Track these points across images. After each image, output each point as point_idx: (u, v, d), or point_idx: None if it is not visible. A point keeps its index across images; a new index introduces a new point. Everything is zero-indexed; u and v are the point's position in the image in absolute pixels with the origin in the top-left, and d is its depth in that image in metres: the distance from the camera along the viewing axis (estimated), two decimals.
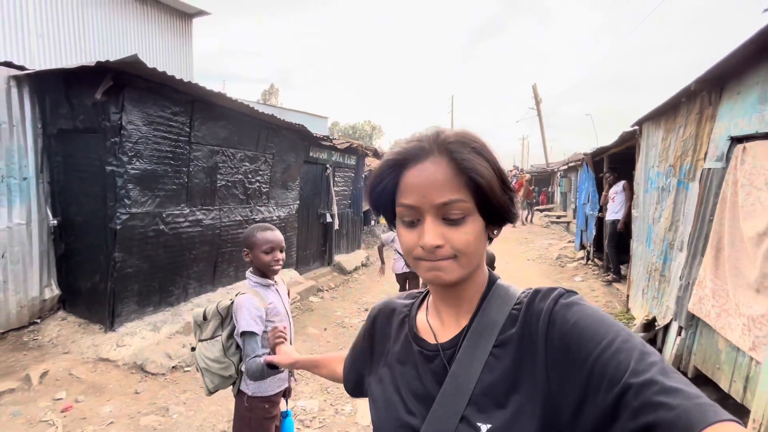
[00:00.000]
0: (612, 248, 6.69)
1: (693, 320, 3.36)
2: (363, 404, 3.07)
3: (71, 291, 4.14)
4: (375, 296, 6.28)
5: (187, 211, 4.41)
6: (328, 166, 7.43)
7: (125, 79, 3.50)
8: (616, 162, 7.13)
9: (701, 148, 3.55)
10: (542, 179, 22.50)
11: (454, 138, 0.59)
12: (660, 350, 3.79)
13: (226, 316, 1.75)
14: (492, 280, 0.66)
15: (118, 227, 3.67)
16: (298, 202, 6.51)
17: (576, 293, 0.58)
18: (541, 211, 18.20)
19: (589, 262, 8.28)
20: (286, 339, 1.23)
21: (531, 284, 0.66)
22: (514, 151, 45.42)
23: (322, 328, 4.88)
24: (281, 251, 1.75)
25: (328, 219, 7.53)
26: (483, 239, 0.60)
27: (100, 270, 3.86)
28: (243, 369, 1.60)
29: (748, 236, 2.73)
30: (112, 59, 3.27)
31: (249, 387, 1.74)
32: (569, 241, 11.10)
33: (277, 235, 1.74)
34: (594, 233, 7.94)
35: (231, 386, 1.78)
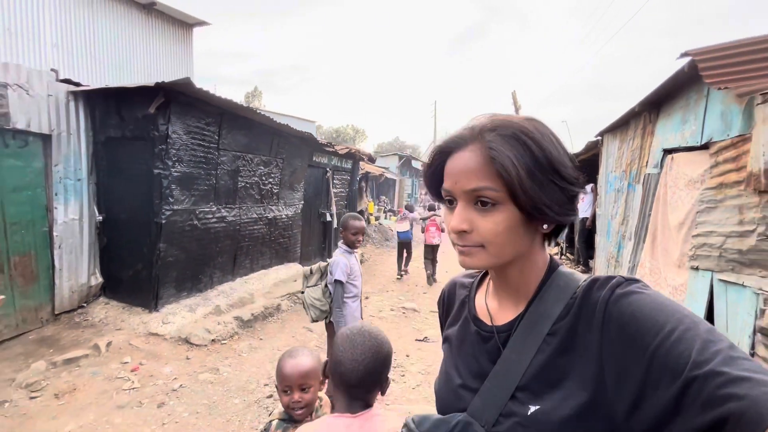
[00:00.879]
0: (582, 243, 7.60)
1: None
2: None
3: (112, 279, 4.70)
4: (372, 287, 6.99)
5: (215, 209, 5.04)
6: (328, 169, 8.11)
7: (171, 95, 4.13)
8: (585, 167, 8.06)
9: (644, 157, 4.43)
10: None
11: (491, 126, 0.59)
12: None
13: (324, 272, 2.82)
14: (553, 267, 0.65)
15: (163, 221, 4.28)
16: (302, 202, 7.17)
17: (637, 281, 0.55)
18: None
19: (563, 256, 9.21)
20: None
21: None
22: None
23: None
24: (363, 234, 2.79)
25: (328, 218, 8.21)
26: (519, 231, 0.59)
27: (143, 259, 4.45)
28: (332, 306, 2.64)
29: (672, 225, 3.59)
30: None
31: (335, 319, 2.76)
32: None
33: (362, 224, 2.80)
34: (566, 230, 8.86)
35: (324, 319, 2.86)
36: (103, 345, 3.68)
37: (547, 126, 0.61)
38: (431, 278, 7.45)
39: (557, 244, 9.98)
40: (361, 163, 10.03)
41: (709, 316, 3.05)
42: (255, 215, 5.88)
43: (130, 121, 4.28)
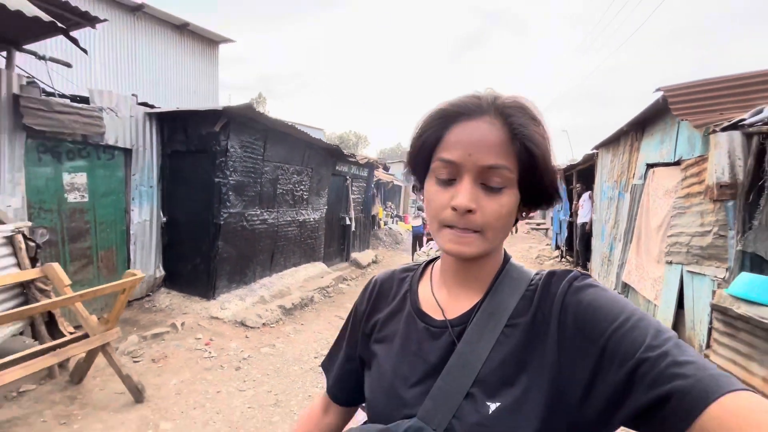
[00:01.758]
0: (581, 246, 8.32)
1: (625, 287, 4.95)
2: None
3: (172, 272, 5.44)
4: None
5: (259, 212, 5.79)
6: (347, 177, 8.88)
7: (231, 115, 4.89)
8: (583, 176, 8.82)
9: (632, 170, 5.18)
10: None
11: (512, 102, 0.57)
12: None
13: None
14: (506, 259, 0.65)
15: (222, 223, 5.02)
16: (326, 207, 7.93)
17: (590, 276, 0.57)
18: (523, 218, 19.94)
19: (563, 259, 9.92)
20: None
21: None
22: None
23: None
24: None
25: (347, 222, 8.96)
26: (512, 217, 0.58)
27: (201, 255, 5.18)
28: None
29: (653, 228, 4.33)
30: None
31: None
32: (547, 244, 12.81)
33: None
34: (566, 234, 9.59)
35: None
36: (179, 324, 4.41)
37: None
38: None
39: (557, 248, 10.70)
40: (376, 171, 10.81)
41: (680, 300, 3.78)
42: (289, 218, 6.62)
43: (194, 137, 5.05)
